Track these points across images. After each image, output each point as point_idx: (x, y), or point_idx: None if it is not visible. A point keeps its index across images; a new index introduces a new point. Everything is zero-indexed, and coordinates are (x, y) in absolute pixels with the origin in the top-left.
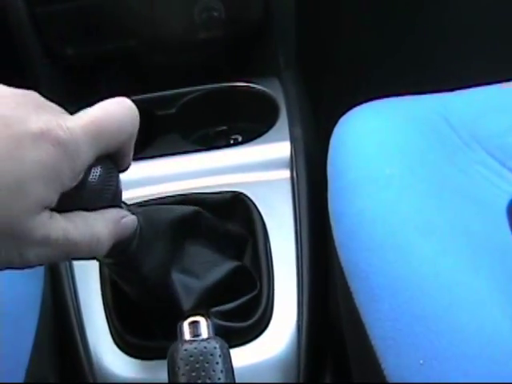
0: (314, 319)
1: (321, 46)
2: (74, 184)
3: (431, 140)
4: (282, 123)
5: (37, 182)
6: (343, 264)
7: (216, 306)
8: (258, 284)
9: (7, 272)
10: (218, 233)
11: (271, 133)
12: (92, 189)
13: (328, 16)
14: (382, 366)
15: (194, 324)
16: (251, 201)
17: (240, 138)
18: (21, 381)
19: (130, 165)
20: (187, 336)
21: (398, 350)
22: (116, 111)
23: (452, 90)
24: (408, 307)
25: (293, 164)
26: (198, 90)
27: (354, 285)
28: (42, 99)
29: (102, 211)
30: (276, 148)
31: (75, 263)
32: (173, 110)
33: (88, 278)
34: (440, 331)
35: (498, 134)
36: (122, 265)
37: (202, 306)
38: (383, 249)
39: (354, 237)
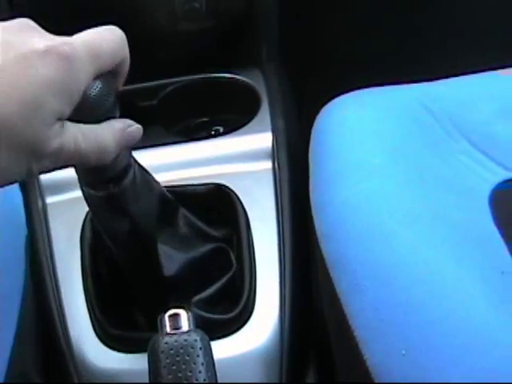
0: (297, 311)
1: (303, 37)
2: (80, 97)
3: (413, 129)
4: (264, 114)
5: (50, 95)
6: (325, 255)
7: (193, 288)
8: (235, 266)
9: None
10: (197, 231)
11: (253, 124)
12: (94, 100)
13: (311, 7)
14: (365, 356)
15: (175, 317)
16: (233, 192)
17: (222, 130)
18: (2, 374)
19: (121, 88)
20: (168, 329)
21: (381, 340)
22: (108, 35)
23: (434, 79)
24: (390, 297)
25: (274, 155)
26: (179, 82)
27: (337, 275)
28: (37, 25)
29: (108, 122)
30: (258, 139)
31: (56, 255)
32: (154, 102)
33: (70, 271)
34: (423, 321)
35: (480, 123)
36: (113, 199)
37: (183, 294)
38: (365, 238)
39: (335, 227)
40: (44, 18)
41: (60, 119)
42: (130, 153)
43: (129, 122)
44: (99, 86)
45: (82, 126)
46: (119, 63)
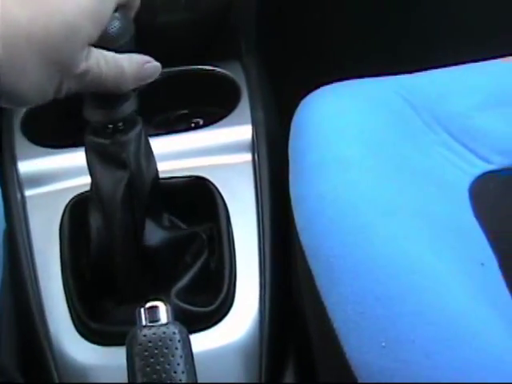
0: (277, 304)
1: (283, 29)
2: (107, 23)
3: (392, 121)
4: (244, 106)
5: (87, 21)
6: (304, 247)
7: (172, 276)
8: (207, 252)
9: None
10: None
11: (233, 116)
12: (117, 29)
13: None
14: (344, 349)
15: (153, 309)
16: (213, 184)
17: (201, 122)
18: None
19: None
20: (146, 321)
21: (360, 333)
22: None
23: (414, 71)
24: (370, 290)
25: (254, 147)
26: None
27: (316, 268)
28: None
29: (128, 54)
30: (237, 131)
31: (35, 249)
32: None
33: (49, 264)
34: (402, 313)
35: (460, 115)
36: (116, 147)
37: (162, 282)
38: (344, 231)
39: (314, 220)
40: None
41: (90, 43)
42: (139, 111)
43: (147, 58)
44: (120, 17)
45: (104, 51)
46: None
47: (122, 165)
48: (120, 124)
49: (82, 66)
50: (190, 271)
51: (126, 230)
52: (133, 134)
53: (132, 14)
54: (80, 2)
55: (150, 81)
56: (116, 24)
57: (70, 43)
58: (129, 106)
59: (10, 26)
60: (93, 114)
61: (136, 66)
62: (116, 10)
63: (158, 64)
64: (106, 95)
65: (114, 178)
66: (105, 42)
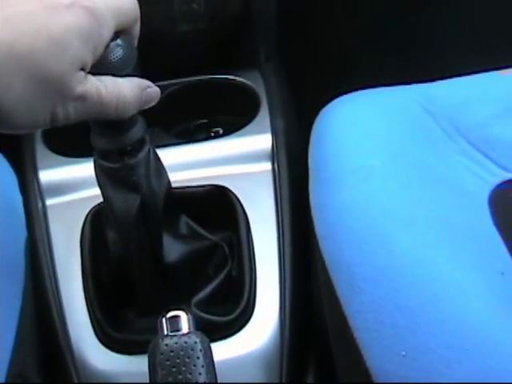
0: (297, 312)
1: (303, 37)
2: (102, 50)
3: (412, 130)
4: (263, 115)
5: (75, 38)
6: (325, 256)
7: (194, 287)
8: (230, 263)
9: None
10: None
11: (252, 125)
12: (117, 57)
13: (310, 7)
14: (365, 357)
15: (175, 318)
16: (233, 194)
17: (221, 131)
18: (2, 376)
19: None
20: (168, 331)
21: (381, 342)
22: None
23: (433, 80)
24: (390, 299)
25: (274, 156)
26: (178, 83)
27: (336, 277)
28: None
29: (128, 77)
30: (257, 140)
31: (56, 257)
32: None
33: (69, 272)
34: (422, 323)
35: (480, 124)
36: (126, 171)
37: (183, 293)
38: (365, 240)
39: (335, 229)
40: None
41: (83, 69)
42: (146, 129)
43: (148, 82)
44: (121, 44)
45: (103, 77)
46: (134, 21)
47: (133, 187)
48: (128, 147)
49: (79, 90)
50: (212, 283)
51: (141, 248)
52: (142, 156)
53: (135, 41)
54: (69, 20)
55: (150, 106)
56: (119, 53)
57: (58, 61)
58: (136, 132)
59: None
60: (99, 142)
61: (137, 90)
62: (117, 38)
63: (158, 89)
64: (110, 122)
65: (127, 199)
66: (107, 71)
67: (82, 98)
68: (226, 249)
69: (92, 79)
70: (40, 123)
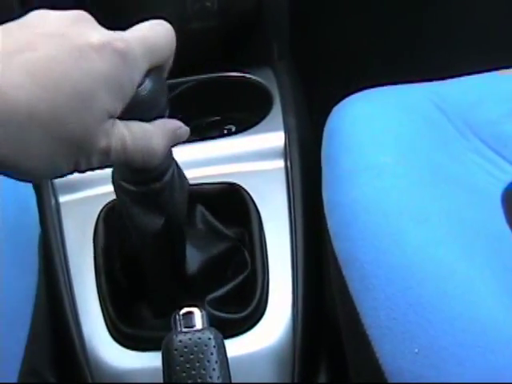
0: (309, 309)
1: (315, 35)
2: (133, 94)
3: (425, 128)
4: (276, 113)
5: (103, 90)
6: (338, 253)
7: (210, 287)
8: (249, 266)
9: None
10: (212, 228)
11: (265, 123)
12: (147, 98)
13: (322, 5)
14: (377, 354)
15: (188, 315)
16: (246, 191)
17: (234, 129)
18: (16, 372)
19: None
20: (182, 327)
21: (393, 339)
22: (161, 31)
23: (445, 78)
24: (403, 296)
25: (287, 154)
26: (191, 81)
27: (349, 274)
28: (93, 18)
29: (158, 122)
30: (270, 138)
31: (69, 254)
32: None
33: (83, 269)
34: (435, 320)
35: (492, 122)
36: (152, 195)
37: (197, 293)
38: (377, 238)
39: (348, 226)
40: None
41: (112, 117)
42: (171, 150)
43: (179, 123)
44: (151, 84)
45: (132, 125)
46: (168, 57)
47: (158, 208)
48: (153, 175)
49: (102, 143)
50: (230, 284)
51: (161, 256)
52: (167, 179)
53: (165, 74)
54: (96, 68)
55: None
56: (149, 92)
57: (81, 118)
58: (163, 163)
59: (8, 100)
60: (121, 173)
61: (167, 139)
62: (148, 74)
63: (187, 129)
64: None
65: (151, 219)
66: (132, 113)
67: (106, 150)
68: (246, 252)
69: (119, 128)
70: (60, 175)
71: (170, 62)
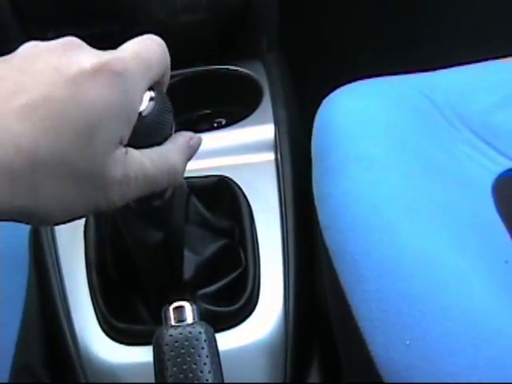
0: (301, 302)
1: (304, 28)
2: (137, 116)
3: (415, 120)
4: (266, 106)
5: (106, 120)
6: (328, 246)
7: (203, 285)
8: (244, 263)
9: None
10: (205, 221)
11: (255, 115)
12: (155, 123)
13: None
14: (369, 347)
15: (179, 309)
16: (236, 184)
17: (224, 122)
18: (8, 367)
19: None
20: (172, 321)
21: (385, 331)
22: (154, 45)
23: (434, 69)
24: (394, 287)
25: (277, 146)
26: (181, 74)
27: (340, 266)
28: (83, 42)
29: (171, 139)
30: (260, 131)
31: (60, 247)
32: None
33: (74, 264)
34: (426, 311)
35: (483, 113)
36: (152, 212)
37: (188, 289)
38: (368, 229)
39: (338, 218)
40: (45, 22)
41: (121, 144)
42: None
43: (189, 133)
44: (155, 106)
45: (146, 151)
46: (164, 71)
47: (158, 224)
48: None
49: (118, 174)
50: (222, 281)
51: (159, 268)
52: (168, 196)
53: (165, 89)
54: (94, 97)
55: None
56: (155, 110)
57: (87, 154)
58: (166, 191)
59: (10, 146)
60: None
61: (184, 153)
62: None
63: (200, 136)
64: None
65: (148, 234)
66: (140, 137)
67: (125, 181)
68: (241, 250)
69: (134, 155)
70: (79, 216)
71: (168, 76)
